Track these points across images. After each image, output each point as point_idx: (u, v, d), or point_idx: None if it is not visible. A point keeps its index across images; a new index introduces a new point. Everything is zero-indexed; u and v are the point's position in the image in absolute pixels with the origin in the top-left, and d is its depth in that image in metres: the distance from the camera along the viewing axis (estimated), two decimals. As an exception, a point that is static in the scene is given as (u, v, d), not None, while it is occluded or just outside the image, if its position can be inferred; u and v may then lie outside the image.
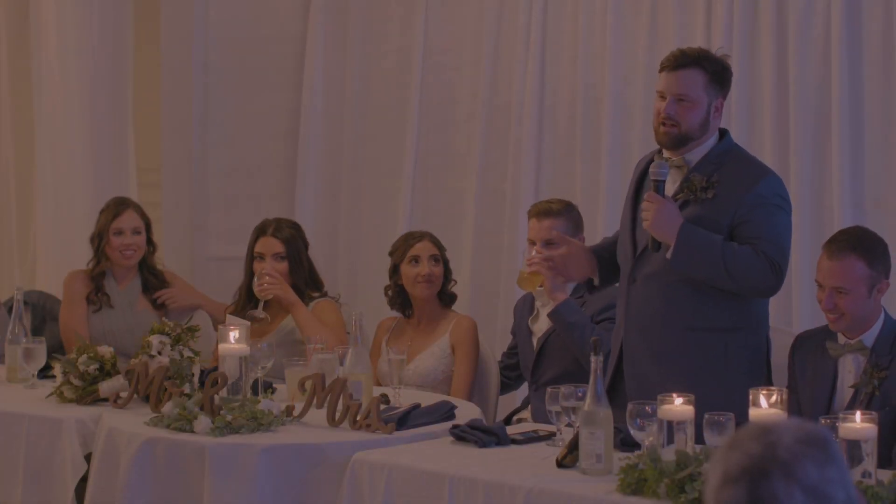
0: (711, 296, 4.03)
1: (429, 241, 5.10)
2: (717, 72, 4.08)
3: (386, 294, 5.17)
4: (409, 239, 5.15)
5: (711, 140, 4.10)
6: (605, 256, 4.36)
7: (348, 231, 6.39)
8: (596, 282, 4.38)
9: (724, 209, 4.00)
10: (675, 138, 4.06)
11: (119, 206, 5.42)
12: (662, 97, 4.09)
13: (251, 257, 5.23)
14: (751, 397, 3.48)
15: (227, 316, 4.89)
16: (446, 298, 5.10)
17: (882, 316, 3.90)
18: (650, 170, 4.11)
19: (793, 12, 5.24)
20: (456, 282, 5.18)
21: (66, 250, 6.04)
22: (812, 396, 3.93)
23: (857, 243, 3.86)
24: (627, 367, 4.16)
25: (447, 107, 6.17)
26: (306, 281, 5.19)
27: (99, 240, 5.39)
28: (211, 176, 6.57)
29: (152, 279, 5.45)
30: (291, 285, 5.14)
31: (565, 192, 5.62)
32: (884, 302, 3.96)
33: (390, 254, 5.16)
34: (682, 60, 4.07)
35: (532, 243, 4.82)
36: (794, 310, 5.20)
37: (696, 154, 4.09)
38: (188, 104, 6.53)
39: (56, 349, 5.21)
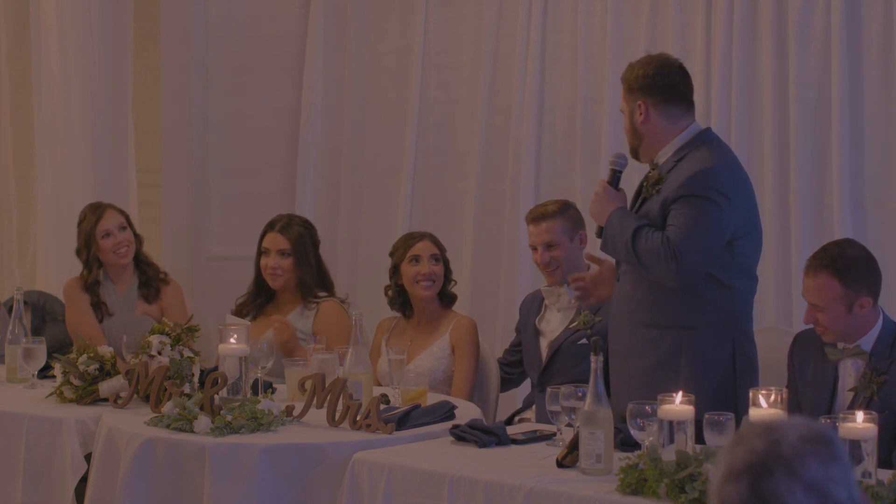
0: (669, 293, 4.02)
1: (429, 241, 5.10)
2: (629, 78, 4.15)
3: (386, 294, 5.16)
4: (409, 239, 5.14)
5: (679, 140, 4.10)
6: None
7: (348, 231, 6.39)
8: None
9: (661, 201, 4.03)
10: (629, 146, 4.20)
11: (97, 209, 5.34)
12: None
13: (259, 251, 5.24)
14: (751, 396, 3.49)
15: (227, 315, 4.89)
16: (447, 298, 5.09)
17: (880, 320, 3.88)
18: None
19: (793, 12, 5.24)
20: (456, 282, 5.17)
21: (66, 250, 6.01)
22: (813, 399, 3.93)
23: (831, 262, 3.83)
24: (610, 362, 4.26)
25: (447, 107, 6.17)
26: (314, 278, 5.18)
27: (87, 249, 5.32)
28: (211, 176, 6.57)
29: (149, 270, 5.39)
30: (298, 281, 5.14)
31: (565, 192, 5.61)
32: (884, 304, 3.95)
33: (390, 254, 5.15)
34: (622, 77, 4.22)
35: (534, 249, 4.85)
36: (794, 310, 5.20)
37: (662, 155, 4.12)
38: (188, 104, 6.53)
39: (56, 349, 5.19)
